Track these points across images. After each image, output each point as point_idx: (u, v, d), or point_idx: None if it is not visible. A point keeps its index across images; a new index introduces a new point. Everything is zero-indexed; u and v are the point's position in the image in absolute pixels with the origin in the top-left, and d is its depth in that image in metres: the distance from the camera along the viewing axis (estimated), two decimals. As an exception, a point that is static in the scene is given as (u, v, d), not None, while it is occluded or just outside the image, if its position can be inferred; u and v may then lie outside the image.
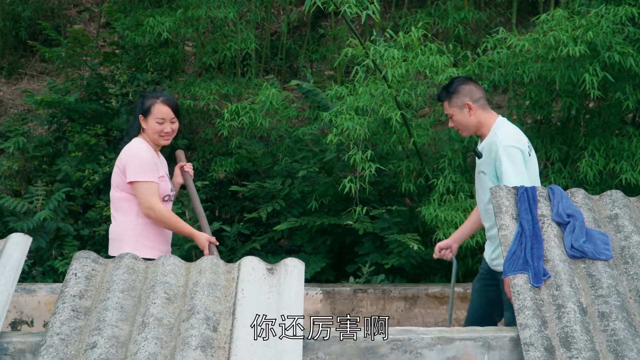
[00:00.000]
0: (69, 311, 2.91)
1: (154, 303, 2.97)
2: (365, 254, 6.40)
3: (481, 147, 4.11)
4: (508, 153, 3.90)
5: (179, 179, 4.63)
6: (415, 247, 5.76)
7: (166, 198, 4.32)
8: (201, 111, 7.57)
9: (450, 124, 4.23)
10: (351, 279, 6.07)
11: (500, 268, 4.01)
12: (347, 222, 6.20)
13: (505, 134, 4.00)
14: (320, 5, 5.11)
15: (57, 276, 6.39)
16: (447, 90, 4.18)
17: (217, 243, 4.30)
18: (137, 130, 4.30)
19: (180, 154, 4.72)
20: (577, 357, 2.81)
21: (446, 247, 4.52)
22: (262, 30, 8.74)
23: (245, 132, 6.84)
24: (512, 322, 3.97)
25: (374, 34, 5.79)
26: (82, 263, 3.11)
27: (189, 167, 4.62)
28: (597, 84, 5.21)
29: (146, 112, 4.23)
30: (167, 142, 4.32)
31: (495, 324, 4.02)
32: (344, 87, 5.94)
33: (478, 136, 4.21)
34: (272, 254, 6.82)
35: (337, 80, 7.66)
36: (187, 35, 7.42)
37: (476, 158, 4.17)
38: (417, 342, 2.96)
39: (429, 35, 5.90)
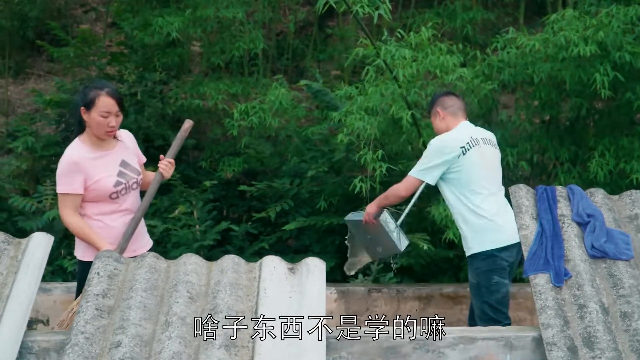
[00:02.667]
0: (93, 310, 2.92)
1: (177, 302, 2.98)
2: (374, 253, 6.40)
3: None
4: (428, 148, 4.41)
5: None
6: (425, 247, 5.76)
7: (114, 195, 4.02)
8: (209, 111, 7.57)
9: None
10: (360, 276, 6.08)
11: (467, 252, 4.26)
12: (356, 222, 6.19)
13: (440, 135, 4.45)
14: (333, 5, 5.10)
15: (66, 275, 6.39)
16: (429, 103, 4.68)
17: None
18: (82, 129, 4.04)
19: (187, 125, 4.21)
20: (600, 357, 2.82)
21: None
22: (269, 30, 8.74)
23: (254, 132, 6.84)
24: (480, 315, 4.09)
25: (385, 34, 5.79)
26: (105, 262, 3.11)
27: (164, 166, 4.10)
28: (607, 84, 5.21)
29: (89, 105, 3.94)
30: (111, 137, 4.06)
31: None
32: (354, 87, 5.94)
33: None
34: (280, 253, 6.80)
35: (345, 80, 7.66)
36: (195, 35, 7.41)
37: None
38: (439, 342, 2.97)
39: (439, 35, 5.90)
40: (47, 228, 6.40)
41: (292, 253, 6.73)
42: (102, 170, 4.00)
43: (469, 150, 4.30)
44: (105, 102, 3.94)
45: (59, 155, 7.20)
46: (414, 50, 5.59)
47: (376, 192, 5.78)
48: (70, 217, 3.91)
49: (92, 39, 7.69)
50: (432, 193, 6.24)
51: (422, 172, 4.38)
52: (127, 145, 4.19)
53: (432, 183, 4.37)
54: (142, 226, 4.19)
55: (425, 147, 5.92)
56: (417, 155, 6.22)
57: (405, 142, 6.14)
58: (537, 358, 2.95)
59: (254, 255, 6.47)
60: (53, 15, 9.25)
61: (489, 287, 4.09)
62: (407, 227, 6.29)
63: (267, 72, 8.21)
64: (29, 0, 8.76)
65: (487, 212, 4.09)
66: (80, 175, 3.94)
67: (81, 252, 3.92)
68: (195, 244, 6.42)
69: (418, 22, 6.98)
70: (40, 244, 3.12)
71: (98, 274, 3.05)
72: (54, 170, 7.05)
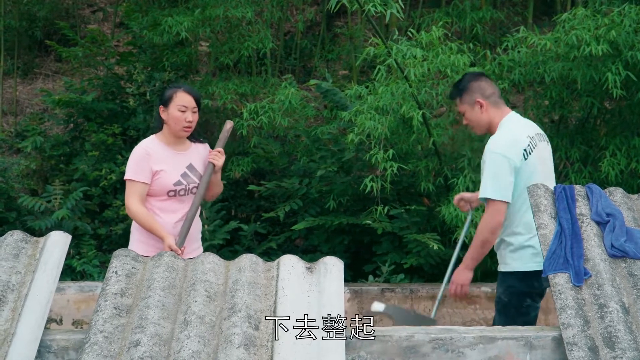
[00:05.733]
0: (111, 309, 2.90)
1: (195, 301, 2.96)
2: (383, 253, 6.39)
3: None
4: (492, 161, 3.78)
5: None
6: (435, 247, 5.74)
7: (171, 193, 4.15)
8: (217, 110, 7.57)
9: (464, 122, 4.11)
10: (370, 277, 6.06)
11: (501, 268, 3.98)
12: (365, 221, 6.19)
13: (497, 138, 3.85)
14: (346, 3, 5.09)
15: (75, 275, 6.39)
16: (458, 87, 4.05)
17: (179, 253, 4.00)
18: (159, 127, 4.21)
19: (228, 126, 4.39)
20: (622, 357, 2.80)
21: (468, 200, 4.27)
22: (277, 29, 8.73)
23: (263, 131, 6.83)
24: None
25: (396, 33, 5.79)
26: (122, 261, 3.10)
27: (214, 156, 4.26)
28: (619, 83, 5.19)
29: (167, 102, 4.12)
30: (188, 133, 4.18)
31: None
32: (364, 86, 5.93)
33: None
34: (288, 253, 6.80)
35: (353, 79, 7.65)
36: (204, 34, 7.41)
37: None
38: (459, 342, 2.95)
39: (450, 35, 5.89)
40: (56, 228, 6.42)
41: (301, 253, 6.73)
42: (168, 165, 4.14)
43: (530, 154, 3.81)
44: (182, 98, 4.12)
45: (67, 155, 7.32)
46: (425, 49, 5.58)
47: (387, 192, 5.77)
48: (136, 206, 4.05)
49: (102, 38, 7.70)
50: (441, 193, 6.24)
51: (504, 191, 3.72)
52: (200, 152, 4.30)
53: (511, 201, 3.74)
54: (197, 232, 4.33)
55: (434, 147, 5.96)
56: (427, 155, 6.25)
57: (415, 142, 6.14)
58: (558, 358, 2.93)
59: (262, 255, 6.47)
60: (61, 15, 9.29)
61: (519, 308, 3.80)
62: (417, 227, 6.30)
63: (275, 72, 8.21)
64: (37, 1, 8.77)
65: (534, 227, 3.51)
66: (149, 165, 4.09)
67: (131, 242, 4.11)
68: (204, 244, 6.41)
69: (427, 21, 6.97)
70: (58, 242, 3.11)
71: (116, 272, 3.04)
72: (62, 170, 7.16)
